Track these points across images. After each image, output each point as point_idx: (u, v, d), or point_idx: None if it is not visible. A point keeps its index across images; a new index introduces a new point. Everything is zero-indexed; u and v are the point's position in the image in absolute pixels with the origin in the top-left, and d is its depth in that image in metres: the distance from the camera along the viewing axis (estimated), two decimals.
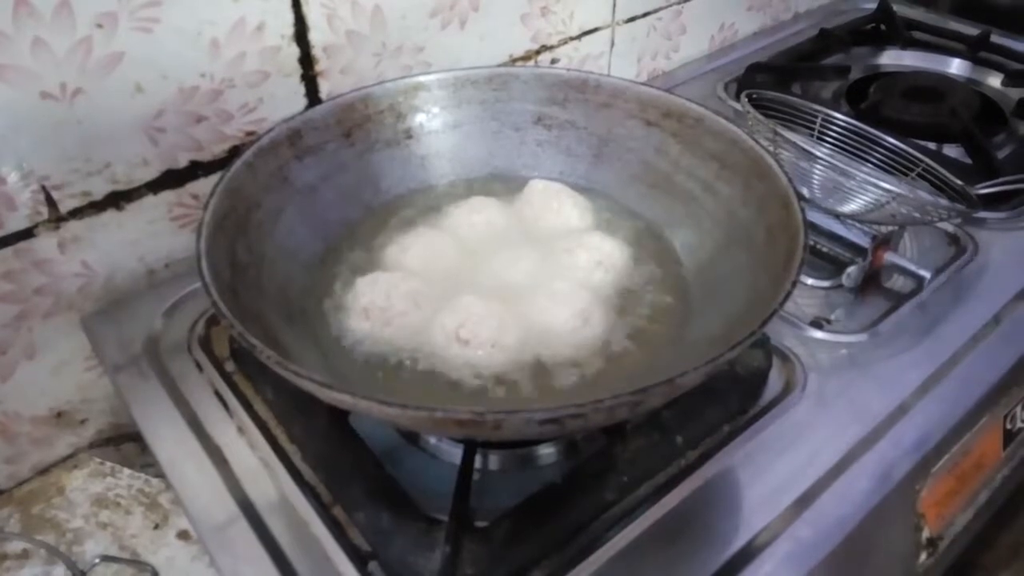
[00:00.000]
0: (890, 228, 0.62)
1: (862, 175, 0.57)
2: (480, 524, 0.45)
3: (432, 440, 0.51)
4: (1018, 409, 0.60)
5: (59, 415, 0.63)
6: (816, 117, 0.68)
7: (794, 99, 0.68)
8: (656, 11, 0.90)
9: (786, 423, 0.52)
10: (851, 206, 0.60)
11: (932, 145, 0.78)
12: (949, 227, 0.68)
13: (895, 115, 0.83)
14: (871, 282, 0.62)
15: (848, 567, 0.47)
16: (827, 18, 1.06)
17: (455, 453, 0.49)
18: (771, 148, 0.58)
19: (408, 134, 0.60)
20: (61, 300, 0.59)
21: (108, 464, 0.62)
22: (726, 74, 0.93)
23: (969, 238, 0.67)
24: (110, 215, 0.59)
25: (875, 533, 0.48)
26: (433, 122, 0.61)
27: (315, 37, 0.63)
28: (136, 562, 0.55)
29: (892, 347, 0.57)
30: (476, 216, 0.57)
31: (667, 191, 0.58)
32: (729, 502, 0.48)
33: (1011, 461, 0.61)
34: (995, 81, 0.93)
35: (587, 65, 0.86)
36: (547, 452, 0.50)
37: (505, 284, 0.52)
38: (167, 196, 0.61)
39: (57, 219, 0.57)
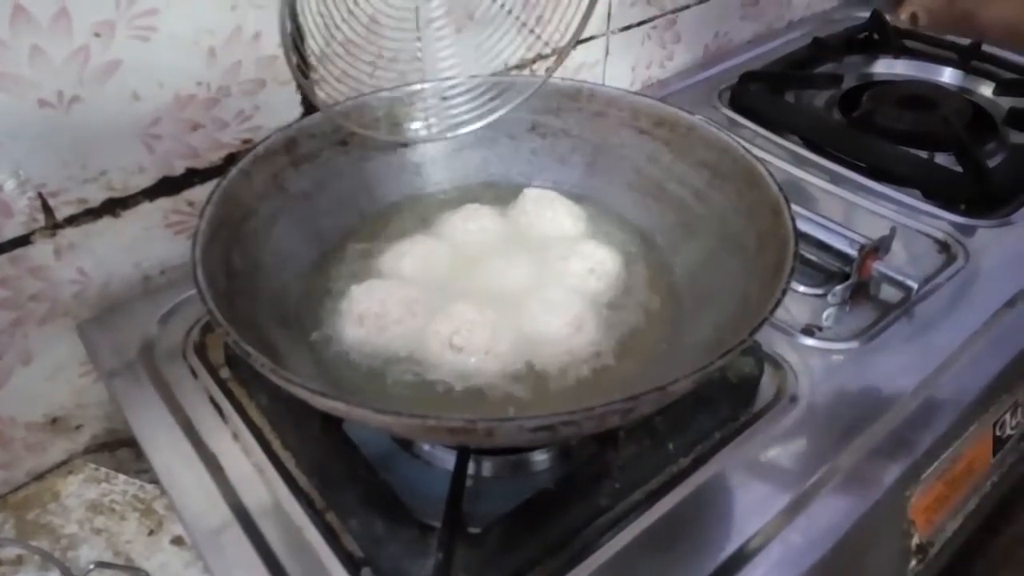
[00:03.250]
0: (878, 236, 0.62)
1: None
2: (473, 530, 0.45)
3: (425, 446, 0.51)
4: (1008, 416, 0.60)
5: (54, 421, 0.63)
6: None
7: None
8: (651, 20, 0.90)
9: (777, 429, 0.52)
10: None
11: (924, 154, 0.79)
12: (940, 235, 0.69)
13: (887, 124, 0.83)
14: (861, 290, 0.63)
15: (839, 572, 0.48)
16: (820, 27, 1.07)
17: (448, 459, 0.49)
18: None
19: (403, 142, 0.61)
20: (57, 306, 0.60)
21: (103, 470, 0.62)
22: (720, 82, 0.94)
23: (960, 246, 0.68)
24: (106, 222, 0.59)
25: (865, 539, 0.49)
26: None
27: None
28: (130, 568, 0.55)
29: (883, 354, 0.58)
30: (470, 224, 0.58)
31: (659, 199, 0.58)
32: (721, 508, 0.48)
33: (1001, 468, 0.62)
34: (987, 90, 0.94)
35: (582, 74, 0.87)
36: (540, 458, 0.50)
37: (499, 291, 0.53)
38: (163, 203, 0.62)
39: (53, 226, 0.57)
